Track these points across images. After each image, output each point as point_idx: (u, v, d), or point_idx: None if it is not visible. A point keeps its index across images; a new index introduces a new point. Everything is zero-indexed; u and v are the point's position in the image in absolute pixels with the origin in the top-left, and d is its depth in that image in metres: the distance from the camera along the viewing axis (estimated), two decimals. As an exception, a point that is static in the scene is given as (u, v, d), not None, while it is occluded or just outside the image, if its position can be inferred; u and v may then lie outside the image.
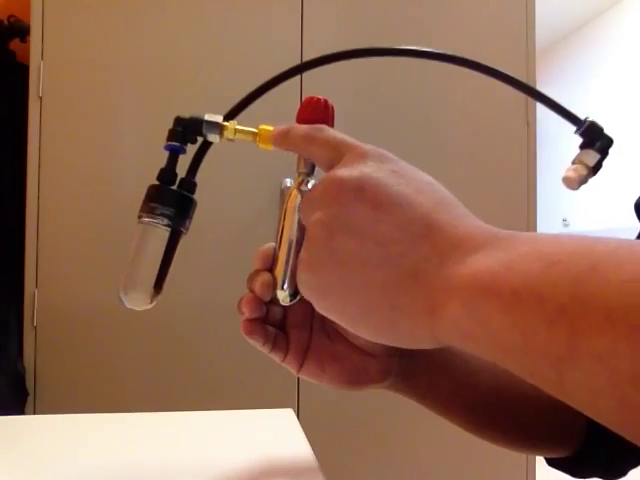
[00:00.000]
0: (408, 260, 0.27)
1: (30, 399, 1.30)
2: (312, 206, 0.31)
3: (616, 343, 0.18)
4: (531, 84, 0.43)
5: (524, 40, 1.52)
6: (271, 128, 0.38)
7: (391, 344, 0.28)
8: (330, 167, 0.32)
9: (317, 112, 0.37)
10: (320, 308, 0.30)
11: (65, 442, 0.52)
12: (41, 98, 1.33)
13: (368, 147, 0.31)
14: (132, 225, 0.41)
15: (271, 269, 0.37)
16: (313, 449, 0.48)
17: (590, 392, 0.20)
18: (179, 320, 1.32)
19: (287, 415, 0.60)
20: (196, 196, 0.42)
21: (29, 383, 1.30)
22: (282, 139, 0.36)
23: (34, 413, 1.29)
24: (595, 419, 0.20)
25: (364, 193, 0.28)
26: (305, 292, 0.31)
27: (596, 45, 3.74)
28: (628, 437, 0.19)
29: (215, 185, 1.34)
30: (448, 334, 0.25)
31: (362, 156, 0.30)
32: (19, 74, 1.39)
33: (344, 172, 0.29)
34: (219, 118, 0.39)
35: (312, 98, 0.38)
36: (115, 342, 1.32)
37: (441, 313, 0.25)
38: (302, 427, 0.55)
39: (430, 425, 1.26)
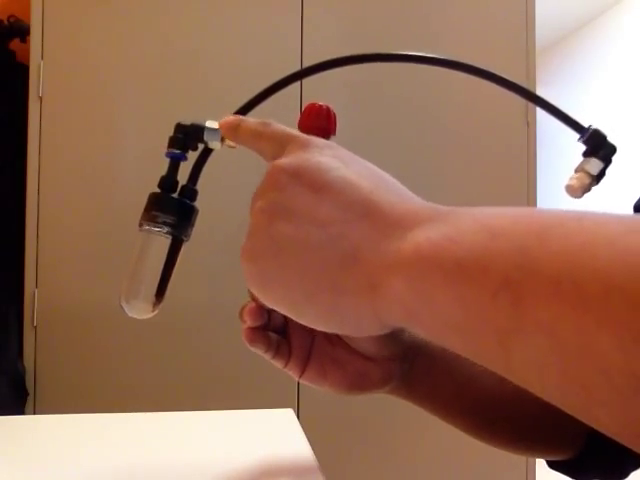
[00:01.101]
0: (348, 240, 0.26)
1: (30, 399, 1.30)
2: (255, 197, 0.31)
3: (562, 313, 0.18)
4: (531, 84, 0.43)
5: (524, 40, 1.52)
6: None
7: (337, 331, 0.28)
8: (277, 155, 0.32)
9: (319, 119, 0.37)
10: (263, 298, 0.30)
11: (65, 442, 0.52)
12: (41, 98, 1.33)
13: (309, 137, 0.31)
14: (132, 225, 0.41)
15: None
16: (313, 449, 0.48)
17: (536, 367, 0.19)
18: (179, 320, 1.32)
19: (287, 415, 0.60)
20: (198, 191, 0.41)
21: (29, 383, 1.30)
22: (232, 133, 0.36)
23: (34, 413, 1.29)
24: (543, 397, 0.20)
25: (303, 177, 0.28)
26: (248, 283, 0.30)
27: (596, 45, 3.74)
28: (574, 414, 0.19)
29: (215, 186, 1.34)
30: (392, 313, 0.24)
31: (304, 145, 0.30)
32: (19, 74, 1.39)
33: (284, 160, 0.30)
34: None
35: (314, 105, 0.38)
36: (115, 342, 1.32)
37: (383, 291, 0.24)
38: (302, 427, 0.55)
39: (430, 425, 1.25)
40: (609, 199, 3.47)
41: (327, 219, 0.27)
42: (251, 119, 0.35)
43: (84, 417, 0.59)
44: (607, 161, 0.43)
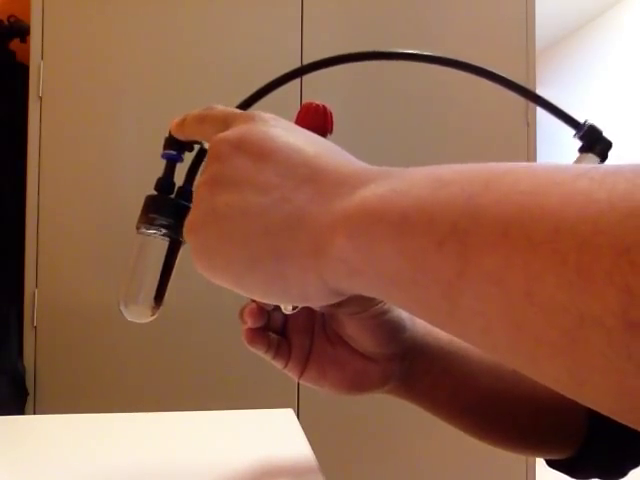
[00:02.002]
0: (291, 204, 0.25)
1: (30, 399, 1.30)
2: (200, 173, 0.30)
3: (510, 258, 0.17)
4: (531, 84, 0.43)
5: (524, 40, 1.52)
6: None
7: (281, 300, 0.27)
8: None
9: (317, 118, 0.37)
10: (205, 272, 0.28)
11: (65, 442, 0.52)
12: (41, 98, 1.33)
13: (253, 111, 0.30)
14: (132, 225, 0.41)
15: None
16: (313, 449, 0.48)
17: (483, 319, 0.18)
18: (179, 320, 1.32)
19: (287, 415, 0.60)
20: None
21: (29, 383, 1.30)
22: (180, 129, 0.36)
23: (34, 413, 1.29)
24: (491, 354, 0.19)
25: (245, 147, 0.27)
26: (193, 259, 0.29)
27: (596, 45, 3.74)
28: (520, 368, 0.18)
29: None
30: (336, 274, 0.24)
31: (248, 118, 0.29)
32: (19, 74, 1.39)
33: (227, 132, 0.29)
34: None
35: (311, 104, 0.38)
36: (115, 342, 1.32)
37: (326, 251, 0.23)
38: (302, 427, 0.55)
39: (430, 425, 1.25)
40: (609, 199, 3.46)
41: (270, 185, 0.26)
42: (194, 111, 0.35)
43: (84, 417, 0.59)
44: (603, 156, 0.43)
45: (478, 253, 0.18)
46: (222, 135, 0.29)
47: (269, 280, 0.26)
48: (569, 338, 0.16)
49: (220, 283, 0.28)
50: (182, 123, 0.35)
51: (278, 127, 0.28)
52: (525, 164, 0.20)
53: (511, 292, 0.17)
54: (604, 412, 0.17)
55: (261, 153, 0.27)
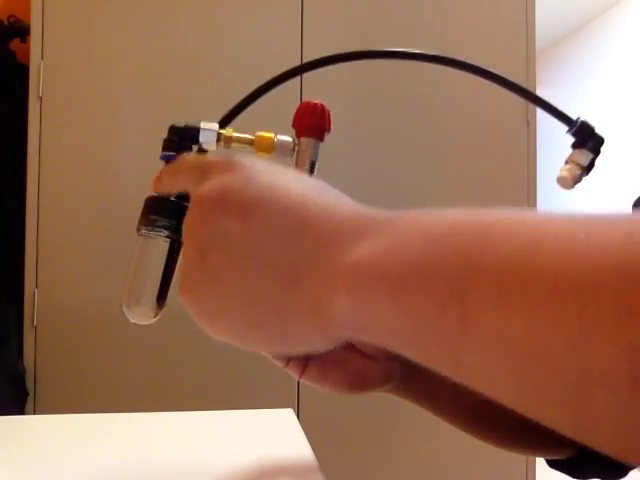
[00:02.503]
0: (285, 261, 0.25)
1: (30, 399, 1.30)
2: (184, 233, 0.29)
3: (511, 316, 0.17)
4: (531, 84, 0.43)
5: (524, 40, 1.52)
6: (270, 135, 0.38)
7: (286, 352, 0.27)
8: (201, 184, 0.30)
9: (314, 117, 0.37)
10: (209, 331, 0.28)
11: (65, 442, 0.52)
12: (41, 98, 1.33)
13: (228, 158, 0.29)
14: (133, 225, 0.41)
15: None
16: (313, 449, 0.48)
17: (488, 374, 0.19)
18: (179, 320, 1.32)
19: (287, 415, 0.60)
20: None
21: (29, 383, 1.30)
22: (158, 184, 0.35)
23: (34, 413, 1.29)
24: (496, 400, 0.19)
25: (228, 203, 0.26)
26: (194, 318, 0.29)
27: (596, 45, 3.74)
28: (528, 414, 0.18)
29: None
30: (341, 330, 0.24)
31: (224, 167, 0.28)
32: (19, 74, 1.39)
33: (205, 188, 0.28)
34: (215, 126, 0.39)
35: (308, 103, 0.38)
36: (115, 342, 1.32)
37: (329, 310, 0.23)
38: (302, 427, 0.55)
39: (430, 425, 1.25)
40: (609, 199, 3.47)
41: (260, 243, 0.25)
42: (168, 164, 0.35)
43: (84, 417, 0.59)
44: (596, 152, 0.43)
45: (479, 314, 0.18)
46: (202, 192, 0.28)
47: (273, 338, 0.26)
48: (574, 393, 0.16)
49: (223, 340, 0.28)
50: (159, 178, 0.35)
51: (257, 174, 0.27)
52: (516, 213, 0.20)
53: (515, 350, 0.17)
54: (609, 454, 0.17)
55: (246, 208, 0.26)
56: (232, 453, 0.48)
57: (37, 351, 1.31)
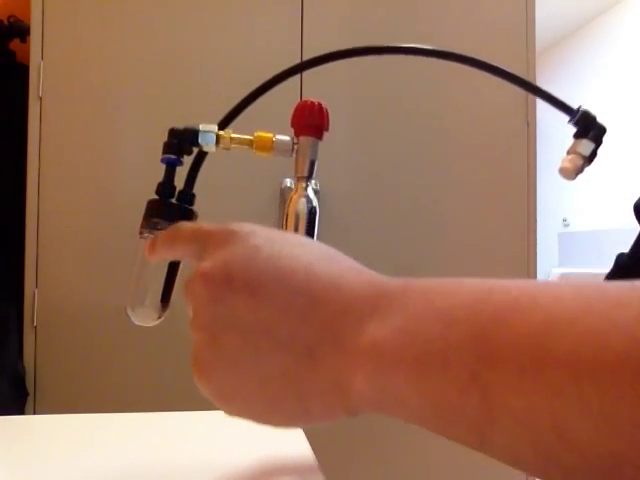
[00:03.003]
0: (300, 340, 0.24)
1: (30, 399, 1.30)
2: (189, 307, 0.28)
3: (533, 401, 0.17)
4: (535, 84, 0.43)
5: (524, 40, 1.52)
6: (269, 135, 0.38)
7: (307, 426, 0.27)
8: (200, 256, 0.29)
9: (312, 116, 0.37)
10: (227, 412, 0.28)
11: (65, 442, 0.52)
12: (41, 98, 1.33)
13: (226, 228, 0.29)
14: (133, 225, 0.41)
15: None
16: (313, 449, 0.48)
17: (512, 450, 0.19)
18: (179, 320, 1.32)
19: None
20: (196, 194, 0.41)
21: (29, 383, 1.30)
22: (152, 252, 0.34)
23: (34, 413, 1.29)
24: (517, 469, 0.20)
25: (234, 281, 0.26)
26: (210, 399, 0.28)
27: (596, 45, 3.74)
28: None
29: (215, 185, 1.34)
30: (362, 408, 0.24)
31: (222, 242, 0.28)
32: (19, 74, 1.39)
33: (208, 265, 0.27)
34: (214, 128, 0.39)
35: (306, 102, 0.38)
36: (115, 342, 1.32)
37: (349, 391, 0.23)
38: (302, 427, 0.55)
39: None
40: (609, 199, 3.47)
41: (272, 323, 0.25)
42: (162, 232, 0.34)
43: (84, 417, 0.59)
44: (598, 141, 0.43)
45: (501, 397, 0.18)
46: (206, 270, 0.27)
47: (293, 416, 0.26)
48: (600, 471, 0.16)
49: (242, 419, 0.28)
50: (153, 246, 0.34)
51: (259, 246, 0.27)
52: (528, 289, 0.20)
53: (539, 433, 0.18)
54: None
55: (253, 286, 0.25)
56: (232, 453, 0.47)
57: (37, 351, 1.31)
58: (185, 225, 0.32)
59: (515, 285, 0.20)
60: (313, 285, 0.25)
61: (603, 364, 0.16)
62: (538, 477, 0.19)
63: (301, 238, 0.28)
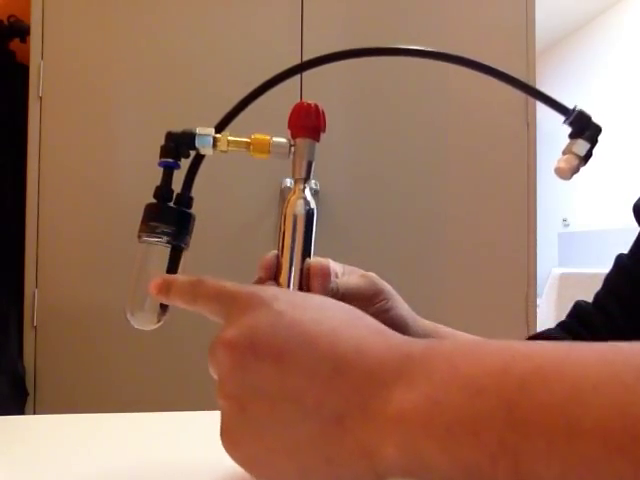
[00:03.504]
0: (327, 408, 0.25)
1: (30, 399, 1.30)
2: (217, 377, 0.28)
3: (565, 473, 0.18)
4: (531, 84, 0.43)
5: (524, 40, 1.52)
6: (266, 137, 0.38)
7: None
8: (221, 317, 0.30)
9: (309, 118, 0.37)
10: (258, 479, 0.28)
11: (65, 442, 0.52)
12: (41, 98, 1.33)
13: (250, 292, 0.29)
14: (132, 225, 0.41)
15: (275, 277, 0.37)
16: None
17: None
18: (179, 320, 1.32)
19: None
20: (196, 195, 0.42)
21: (29, 383, 1.30)
22: (164, 295, 0.34)
23: (34, 413, 1.29)
24: None
25: (259, 349, 0.26)
26: (243, 468, 0.28)
27: (596, 45, 3.74)
28: None
29: (215, 185, 1.34)
30: (392, 473, 0.24)
31: (246, 307, 0.28)
32: (19, 74, 1.39)
33: (232, 333, 0.27)
34: (211, 131, 0.39)
35: (302, 104, 0.38)
36: (115, 342, 1.32)
37: (379, 458, 0.23)
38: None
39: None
40: (609, 199, 3.47)
41: (299, 390, 0.25)
42: (181, 277, 0.34)
43: (84, 417, 0.59)
44: (593, 141, 0.43)
45: (532, 466, 0.18)
46: (231, 338, 0.27)
47: None
48: None
49: None
50: (167, 291, 0.34)
51: (283, 312, 0.27)
52: (551, 358, 0.20)
53: None
54: None
55: (278, 354, 0.26)
56: (232, 453, 0.47)
57: (37, 351, 1.31)
58: (209, 282, 0.32)
59: (538, 351, 0.21)
60: (337, 351, 0.25)
61: (633, 437, 0.16)
62: None
63: (324, 301, 0.29)
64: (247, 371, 0.26)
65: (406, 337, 0.26)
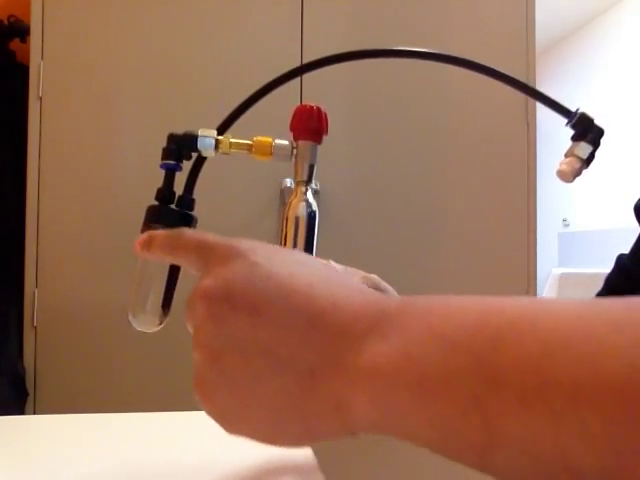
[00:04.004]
0: (301, 361, 0.24)
1: (30, 399, 1.30)
2: (190, 325, 0.28)
3: (534, 427, 0.17)
4: (531, 84, 0.43)
5: (524, 40, 1.52)
6: (268, 139, 0.38)
7: (310, 445, 0.27)
8: (200, 270, 0.29)
9: (311, 120, 0.37)
10: (232, 434, 0.28)
11: (65, 442, 0.52)
12: (41, 98, 1.33)
13: (229, 244, 0.28)
14: (132, 225, 0.41)
15: None
16: (313, 449, 0.48)
17: (517, 473, 0.19)
18: (179, 320, 1.32)
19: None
20: (197, 195, 0.42)
21: (29, 383, 1.30)
22: (146, 249, 0.34)
23: (34, 413, 1.29)
24: None
25: (235, 300, 0.26)
26: (215, 421, 0.28)
27: (596, 45, 3.74)
28: None
29: (216, 185, 1.34)
30: (364, 428, 0.24)
31: (224, 258, 0.28)
32: (19, 74, 1.39)
33: (208, 283, 0.27)
34: (213, 133, 0.39)
35: (304, 106, 0.38)
36: (115, 342, 1.32)
37: (350, 411, 0.23)
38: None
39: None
40: (609, 199, 3.47)
41: (272, 341, 0.25)
42: (163, 232, 0.33)
43: (84, 417, 0.59)
44: (596, 144, 0.43)
45: (502, 422, 0.18)
46: (207, 288, 0.27)
47: (297, 436, 0.26)
48: None
49: (250, 440, 0.27)
50: (148, 245, 0.34)
51: (260, 265, 0.27)
52: (525, 313, 0.20)
53: (541, 457, 0.18)
54: None
55: (253, 306, 0.25)
56: (232, 453, 0.48)
57: (37, 351, 1.31)
58: (188, 233, 0.31)
59: (512, 306, 0.21)
60: (313, 305, 0.25)
61: (602, 389, 0.16)
62: None
63: (302, 256, 0.28)
64: (222, 322, 0.26)
65: (384, 295, 0.26)
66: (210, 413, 0.27)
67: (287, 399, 0.25)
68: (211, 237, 0.30)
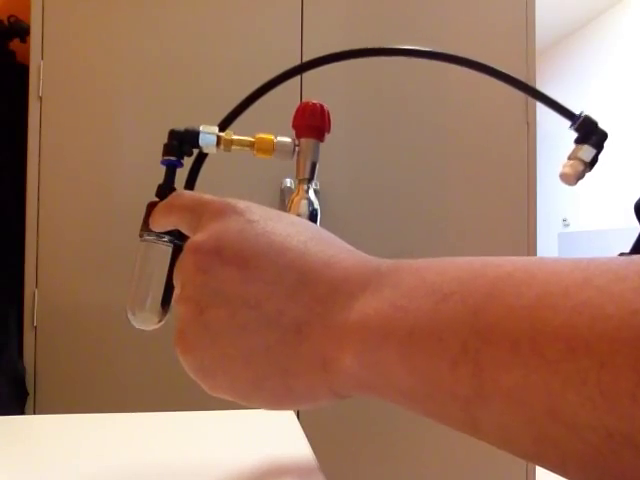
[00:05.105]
0: (288, 316, 0.24)
1: (30, 399, 1.30)
2: (179, 280, 0.28)
3: (527, 377, 0.17)
4: (531, 83, 0.43)
5: (524, 40, 1.52)
6: (270, 136, 0.38)
7: (291, 409, 0.26)
8: (194, 228, 0.29)
9: (314, 118, 0.37)
10: (209, 390, 0.27)
11: (65, 442, 0.52)
12: (41, 98, 1.33)
13: (223, 201, 0.28)
14: (132, 225, 0.41)
15: None
16: (313, 449, 0.48)
17: (504, 431, 0.18)
18: (179, 320, 1.32)
19: (287, 415, 0.60)
20: (196, 195, 0.41)
21: (29, 383, 1.30)
22: (152, 222, 0.34)
23: (34, 413, 1.29)
24: (515, 455, 0.19)
25: (225, 253, 0.25)
26: (190, 374, 0.27)
27: (596, 45, 3.74)
28: (549, 469, 0.18)
29: (215, 184, 1.34)
30: (346, 387, 0.23)
31: (218, 212, 0.27)
32: (19, 74, 1.39)
33: (200, 236, 0.27)
34: (215, 129, 0.39)
35: (307, 103, 0.38)
36: (115, 342, 1.32)
37: (335, 367, 0.23)
38: (302, 427, 0.55)
39: (430, 426, 1.25)
40: (609, 199, 3.47)
41: (261, 296, 0.24)
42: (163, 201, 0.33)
43: (84, 417, 0.59)
44: (599, 147, 0.43)
45: (493, 372, 0.18)
46: (198, 241, 0.26)
47: (277, 396, 0.25)
48: (598, 452, 0.16)
49: (223, 397, 0.27)
50: (153, 216, 0.33)
51: (253, 222, 0.26)
52: (525, 268, 0.19)
53: (532, 410, 0.17)
54: None
55: (244, 260, 0.25)
56: (232, 453, 0.47)
57: (37, 351, 1.31)
58: (185, 193, 0.31)
59: (510, 261, 0.20)
60: (305, 263, 0.25)
61: (600, 335, 0.15)
62: (534, 462, 0.18)
63: (296, 218, 0.28)
64: (210, 274, 0.25)
65: (376, 257, 0.26)
66: (189, 367, 0.27)
67: (270, 354, 0.24)
68: (206, 196, 0.30)
